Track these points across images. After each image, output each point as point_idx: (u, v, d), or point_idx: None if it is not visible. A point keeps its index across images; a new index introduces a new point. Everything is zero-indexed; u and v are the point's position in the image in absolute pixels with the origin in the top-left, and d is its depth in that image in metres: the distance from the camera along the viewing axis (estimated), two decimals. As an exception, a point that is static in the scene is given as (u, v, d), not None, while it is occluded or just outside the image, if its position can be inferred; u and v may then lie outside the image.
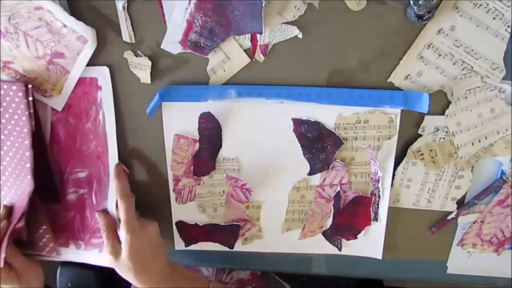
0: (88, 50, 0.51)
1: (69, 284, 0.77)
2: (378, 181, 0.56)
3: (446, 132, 0.53)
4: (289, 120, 0.54)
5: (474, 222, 0.58)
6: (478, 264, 0.61)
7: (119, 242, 0.53)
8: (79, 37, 0.50)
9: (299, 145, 0.55)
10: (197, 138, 0.56)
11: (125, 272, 0.52)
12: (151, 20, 0.51)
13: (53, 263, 0.69)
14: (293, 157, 0.56)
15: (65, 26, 0.49)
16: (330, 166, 0.56)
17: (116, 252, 0.52)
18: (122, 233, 0.51)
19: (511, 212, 0.57)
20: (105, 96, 0.54)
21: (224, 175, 0.58)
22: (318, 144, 0.55)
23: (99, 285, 0.73)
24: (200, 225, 0.60)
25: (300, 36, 0.50)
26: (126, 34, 0.51)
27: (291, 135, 0.55)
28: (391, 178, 0.56)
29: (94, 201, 0.59)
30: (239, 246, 0.62)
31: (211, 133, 0.55)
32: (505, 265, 0.61)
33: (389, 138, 0.54)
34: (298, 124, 0.54)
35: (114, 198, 0.57)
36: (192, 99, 0.53)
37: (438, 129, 0.53)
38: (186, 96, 0.53)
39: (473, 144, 0.53)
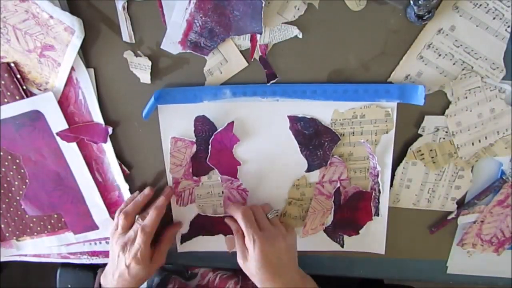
0: (76, 41, 0.50)
1: (69, 286, 0.76)
2: (378, 175, 0.56)
3: (446, 132, 0.53)
4: (285, 118, 0.54)
5: (474, 222, 0.58)
6: (478, 264, 0.61)
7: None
8: (66, 28, 0.50)
9: (296, 142, 0.55)
10: (194, 140, 0.56)
11: (253, 277, 0.52)
12: (151, 20, 0.51)
13: (53, 264, 0.69)
14: (290, 155, 0.56)
15: (51, 17, 0.49)
16: (328, 162, 0.56)
17: (244, 257, 0.52)
18: (247, 242, 0.51)
19: (511, 212, 0.57)
20: (80, 75, 0.53)
21: (219, 177, 0.58)
22: (315, 140, 0.55)
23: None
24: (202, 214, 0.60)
25: (300, 36, 0.50)
26: (126, 34, 0.51)
27: (288, 132, 0.55)
28: (390, 172, 0.56)
29: (100, 179, 0.59)
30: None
31: (207, 134, 0.55)
32: (505, 265, 0.61)
33: (387, 132, 0.54)
34: (294, 121, 0.54)
35: (119, 171, 0.58)
36: (187, 101, 0.53)
37: (438, 129, 0.53)
38: (182, 97, 0.53)
39: (473, 144, 0.54)
